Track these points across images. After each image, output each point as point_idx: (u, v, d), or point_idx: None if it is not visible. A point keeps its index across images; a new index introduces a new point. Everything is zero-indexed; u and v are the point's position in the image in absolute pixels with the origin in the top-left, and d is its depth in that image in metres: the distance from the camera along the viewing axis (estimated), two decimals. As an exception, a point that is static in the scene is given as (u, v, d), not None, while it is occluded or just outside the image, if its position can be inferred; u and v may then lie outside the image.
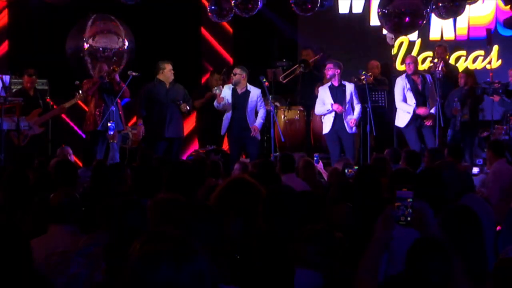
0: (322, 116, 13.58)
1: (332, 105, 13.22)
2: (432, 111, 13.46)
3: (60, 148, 11.92)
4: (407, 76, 13.65)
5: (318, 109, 13.58)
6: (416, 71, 13.69)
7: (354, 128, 13.36)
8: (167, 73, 13.44)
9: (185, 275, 2.55)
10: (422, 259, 3.96)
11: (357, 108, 13.43)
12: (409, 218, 4.07)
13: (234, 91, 13.31)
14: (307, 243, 4.30)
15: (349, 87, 13.46)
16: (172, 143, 13.43)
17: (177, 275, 2.54)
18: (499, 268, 4.18)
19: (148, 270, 2.54)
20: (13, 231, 4.07)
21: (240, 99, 13.27)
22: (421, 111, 13.43)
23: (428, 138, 13.46)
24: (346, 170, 7.18)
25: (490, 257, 5.51)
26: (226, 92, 13.34)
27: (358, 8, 16.83)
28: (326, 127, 13.44)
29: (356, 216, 6.02)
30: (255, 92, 13.33)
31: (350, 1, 16.85)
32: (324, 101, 13.42)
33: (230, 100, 13.21)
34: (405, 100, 13.57)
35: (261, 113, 13.33)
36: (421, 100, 13.52)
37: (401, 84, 13.65)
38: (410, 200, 4.08)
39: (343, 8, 16.86)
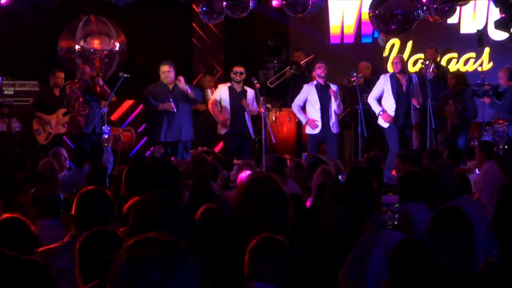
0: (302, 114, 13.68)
1: (308, 121, 13.43)
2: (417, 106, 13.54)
3: (53, 150, 11.89)
4: (392, 76, 13.63)
5: (295, 106, 13.70)
6: (402, 71, 13.66)
7: (337, 127, 13.42)
8: (161, 75, 13.02)
9: (173, 278, 2.54)
10: (404, 260, 3.92)
11: (340, 106, 13.57)
12: (396, 222, 4.08)
13: (232, 90, 13.31)
14: (261, 257, 4.24)
15: (333, 88, 13.49)
16: (177, 145, 13.09)
17: (166, 279, 2.53)
18: (484, 272, 4.17)
19: (136, 275, 2.53)
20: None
21: (239, 98, 13.28)
22: (385, 117, 13.46)
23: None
24: (339, 176, 7.12)
25: (481, 258, 5.53)
26: (222, 91, 13.34)
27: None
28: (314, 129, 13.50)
29: (347, 219, 6.02)
30: (250, 92, 13.37)
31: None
32: (308, 98, 13.51)
33: (227, 100, 13.21)
34: (379, 99, 13.61)
35: (254, 106, 13.37)
36: (403, 100, 13.51)
37: (381, 83, 13.62)
38: (396, 204, 4.09)
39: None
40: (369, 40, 16.75)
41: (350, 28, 16.86)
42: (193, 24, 17.01)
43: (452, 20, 15.75)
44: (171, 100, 12.76)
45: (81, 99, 13.15)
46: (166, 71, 12.99)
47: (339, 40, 16.94)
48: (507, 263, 3.96)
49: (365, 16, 15.73)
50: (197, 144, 14.37)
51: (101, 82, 13.11)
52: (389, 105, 13.51)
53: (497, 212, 4.26)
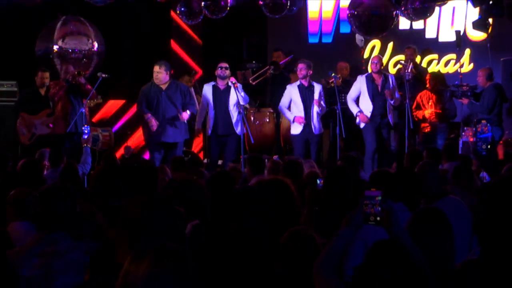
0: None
1: (295, 118, 13.41)
2: (391, 102, 13.64)
3: (39, 151, 11.84)
4: (368, 77, 13.71)
5: (281, 108, 13.77)
6: (380, 71, 13.74)
7: (319, 128, 13.47)
8: (154, 75, 12.75)
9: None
10: (378, 263, 3.87)
11: (323, 109, 13.59)
12: (378, 218, 4.04)
13: (215, 88, 13.28)
14: (293, 249, 4.23)
15: (317, 88, 13.56)
16: (168, 148, 12.89)
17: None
18: (459, 272, 4.15)
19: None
20: None
21: (223, 95, 13.24)
22: (362, 118, 13.56)
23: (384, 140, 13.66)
24: (318, 181, 7.11)
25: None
26: (206, 90, 13.35)
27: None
28: (297, 129, 13.51)
29: (326, 220, 6.00)
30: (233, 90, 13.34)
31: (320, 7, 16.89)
32: (292, 98, 13.55)
33: (210, 98, 13.20)
34: (357, 99, 13.74)
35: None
36: (379, 100, 13.59)
37: (358, 84, 13.76)
38: (379, 199, 4.06)
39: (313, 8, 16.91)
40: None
41: (328, 13, 16.91)
42: (172, 25, 16.99)
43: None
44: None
45: (65, 99, 13.08)
46: (156, 71, 12.74)
47: (317, 38, 16.95)
48: (488, 262, 3.94)
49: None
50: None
51: (82, 80, 13.04)
52: (366, 105, 13.60)
53: (480, 211, 4.24)
